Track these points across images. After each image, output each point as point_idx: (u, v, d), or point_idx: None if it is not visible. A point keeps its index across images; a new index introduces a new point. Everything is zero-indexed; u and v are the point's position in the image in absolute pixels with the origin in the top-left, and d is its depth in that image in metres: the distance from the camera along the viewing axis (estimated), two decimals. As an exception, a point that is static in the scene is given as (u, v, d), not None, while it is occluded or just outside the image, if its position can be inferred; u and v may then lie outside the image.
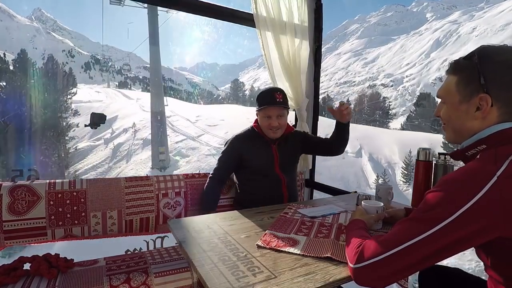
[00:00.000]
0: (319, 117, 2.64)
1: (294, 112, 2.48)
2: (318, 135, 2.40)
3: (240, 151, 1.88)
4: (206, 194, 1.90)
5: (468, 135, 0.89)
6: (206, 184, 1.92)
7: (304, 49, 2.38)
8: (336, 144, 1.89)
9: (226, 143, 1.96)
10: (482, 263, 0.90)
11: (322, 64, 2.66)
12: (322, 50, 2.63)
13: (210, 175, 1.94)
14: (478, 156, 0.85)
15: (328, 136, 1.92)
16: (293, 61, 2.34)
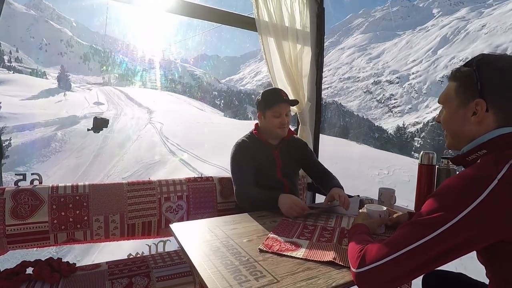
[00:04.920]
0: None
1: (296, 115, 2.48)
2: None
3: (250, 153, 1.83)
4: (254, 198, 1.69)
5: (465, 140, 0.92)
6: (240, 195, 1.74)
7: (306, 53, 2.39)
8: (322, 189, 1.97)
9: (232, 156, 1.84)
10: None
11: (325, 59, 2.66)
12: (326, 44, 2.63)
13: (236, 190, 1.76)
14: (478, 161, 0.86)
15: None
16: (295, 66, 2.35)
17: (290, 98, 2.11)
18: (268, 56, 2.31)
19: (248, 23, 2.30)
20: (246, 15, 2.34)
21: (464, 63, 0.94)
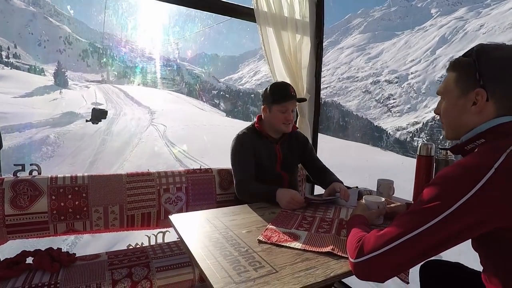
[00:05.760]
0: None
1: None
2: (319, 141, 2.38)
3: (251, 146, 1.83)
4: (253, 192, 1.68)
5: (465, 130, 0.92)
6: (240, 190, 1.74)
7: (305, 44, 2.38)
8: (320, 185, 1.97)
9: (233, 149, 1.84)
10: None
11: (324, 59, 2.66)
12: (324, 44, 2.62)
13: (236, 184, 1.76)
14: (476, 150, 0.86)
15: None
16: (294, 57, 2.34)
17: None
18: (267, 47, 2.29)
19: (247, 14, 2.28)
20: (245, 5, 2.32)
21: (463, 53, 0.94)
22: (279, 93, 1.81)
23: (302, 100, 1.91)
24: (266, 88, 1.87)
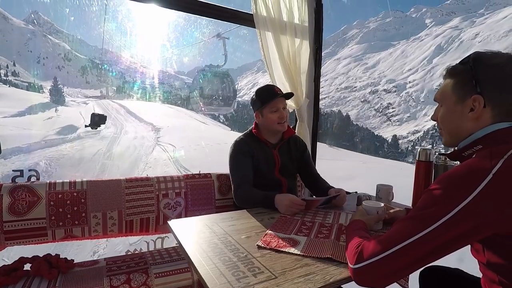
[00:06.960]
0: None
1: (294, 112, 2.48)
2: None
3: (249, 152, 1.83)
4: (251, 198, 1.67)
5: (463, 136, 0.93)
6: (238, 196, 1.74)
7: (304, 49, 2.40)
8: (313, 193, 1.99)
9: (231, 155, 1.84)
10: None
11: (321, 69, 2.68)
12: (322, 54, 2.64)
13: (234, 190, 1.77)
14: (474, 156, 0.86)
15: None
16: (293, 61, 2.35)
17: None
18: (267, 52, 2.30)
19: (245, 19, 2.30)
20: (244, 11, 2.32)
21: (460, 61, 0.94)
22: (265, 95, 1.82)
23: (290, 95, 1.89)
24: (252, 96, 1.89)
